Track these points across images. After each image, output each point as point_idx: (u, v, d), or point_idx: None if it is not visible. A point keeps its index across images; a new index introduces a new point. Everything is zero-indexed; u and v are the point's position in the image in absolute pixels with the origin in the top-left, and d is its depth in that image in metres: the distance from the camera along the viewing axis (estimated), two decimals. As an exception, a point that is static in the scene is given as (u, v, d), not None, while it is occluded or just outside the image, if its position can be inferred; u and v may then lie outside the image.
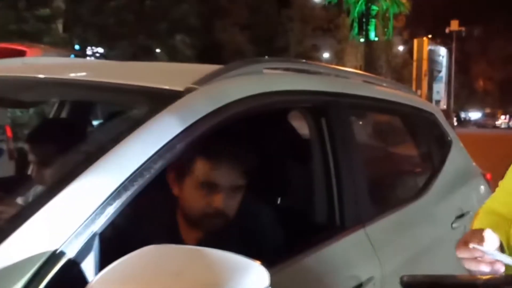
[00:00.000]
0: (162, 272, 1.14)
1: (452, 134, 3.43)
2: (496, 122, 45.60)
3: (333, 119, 2.19)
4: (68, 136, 2.14)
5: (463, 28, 38.52)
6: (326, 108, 2.19)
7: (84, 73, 2.00)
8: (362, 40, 39.69)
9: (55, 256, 1.20)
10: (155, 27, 22.86)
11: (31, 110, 8.88)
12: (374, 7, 38.32)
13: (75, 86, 1.85)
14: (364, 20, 38.96)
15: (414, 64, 38.65)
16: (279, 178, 2.41)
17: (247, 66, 1.93)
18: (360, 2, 38.06)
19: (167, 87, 1.70)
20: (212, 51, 24.98)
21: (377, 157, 2.94)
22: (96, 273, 1.25)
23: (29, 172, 3.23)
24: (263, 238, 1.90)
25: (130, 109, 1.64)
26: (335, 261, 1.98)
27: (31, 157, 2.18)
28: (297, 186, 2.35)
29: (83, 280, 1.23)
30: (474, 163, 3.57)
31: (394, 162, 3.14)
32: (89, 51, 22.46)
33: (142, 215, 1.76)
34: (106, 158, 1.37)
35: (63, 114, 2.59)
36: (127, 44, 22.01)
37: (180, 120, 1.54)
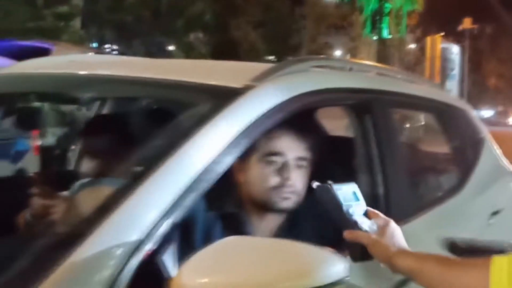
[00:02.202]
0: (248, 263, 1.18)
1: (484, 131, 3.45)
2: (508, 120, 45.36)
3: (378, 116, 2.23)
4: (127, 130, 2.20)
5: (476, 26, 38.39)
6: (371, 106, 2.22)
7: (138, 71, 2.05)
8: (375, 38, 39.56)
9: (138, 247, 1.25)
10: (171, 25, 22.93)
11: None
12: (388, 5, 38.15)
13: (134, 83, 1.90)
14: (377, 17, 38.82)
15: (427, 62, 38.44)
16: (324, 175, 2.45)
17: (297, 65, 1.97)
18: (373, 0, 37.95)
19: (225, 84, 1.75)
20: (227, 49, 25.02)
21: (414, 155, 2.97)
22: (176, 263, 1.30)
23: (68, 166, 3.31)
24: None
25: (191, 106, 1.69)
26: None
27: (86, 149, 2.21)
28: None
29: (165, 270, 1.28)
30: (504, 161, 3.59)
31: (430, 159, 3.17)
32: (107, 48, 22.58)
33: (213, 207, 1.81)
34: (180, 153, 1.42)
35: (121, 110, 2.64)
36: (144, 41, 22.10)
37: (245, 116, 1.59)
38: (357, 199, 1.60)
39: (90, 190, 1.88)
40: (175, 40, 24.25)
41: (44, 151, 5.34)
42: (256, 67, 2.06)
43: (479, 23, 37.60)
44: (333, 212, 1.57)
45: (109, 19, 21.33)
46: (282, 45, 30.48)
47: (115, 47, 23.44)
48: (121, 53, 22.09)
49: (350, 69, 2.29)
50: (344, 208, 1.55)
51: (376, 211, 1.65)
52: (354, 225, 1.55)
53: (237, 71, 2.05)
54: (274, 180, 1.83)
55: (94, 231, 1.22)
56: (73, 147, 3.38)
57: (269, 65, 1.92)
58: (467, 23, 38.48)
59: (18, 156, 5.59)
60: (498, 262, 1.31)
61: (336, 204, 1.56)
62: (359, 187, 2.20)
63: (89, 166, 2.22)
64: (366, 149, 2.19)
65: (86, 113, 3.15)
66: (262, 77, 1.77)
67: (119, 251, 1.22)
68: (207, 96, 1.71)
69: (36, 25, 14.85)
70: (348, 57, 37.22)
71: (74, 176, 2.64)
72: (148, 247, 1.26)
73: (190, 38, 24.96)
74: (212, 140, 1.50)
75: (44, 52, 7.51)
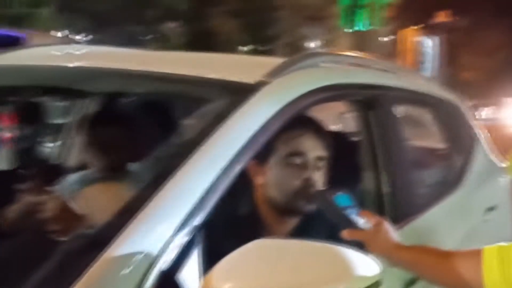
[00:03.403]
0: (280, 267, 1.15)
1: (477, 127, 3.47)
2: (481, 113, 45.92)
3: (384, 112, 2.21)
4: (135, 125, 2.13)
5: (450, 19, 38.70)
6: (378, 101, 2.20)
7: (142, 64, 2.00)
8: (351, 30, 39.79)
9: (163, 251, 1.21)
10: (146, 14, 22.62)
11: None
12: (363, -3, 38.45)
13: (142, 77, 1.85)
14: (353, 9, 39.05)
15: (401, 54, 38.78)
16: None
17: (307, 60, 1.94)
18: (350, -8, 38.16)
19: (238, 80, 1.71)
20: (203, 39, 24.84)
21: (414, 151, 2.96)
22: (201, 266, 1.27)
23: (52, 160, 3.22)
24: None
25: (205, 102, 1.64)
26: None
27: (90, 142, 2.14)
28: (346, 178, 2.37)
29: (190, 273, 1.24)
30: (495, 155, 3.61)
31: (428, 155, 3.17)
32: (80, 38, 22.17)
33: (232, 209, 1.77)
34: (201, 153, 1.38)
35: (130, 105, 2.58)
36: (117, 31, 21.74)
37: (262, 112, 1.56)
38: (351, 202, 1.65)
39: (100, 186, 1.81)
40: (150, 30, 23.92)
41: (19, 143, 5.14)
42: (264, 62, 2.03)
43: (454, 16, 37.90)
44: (330, 214, 1.65)
45: (83, 7, 20.89)
46: (260, 35, 30.38)
47: (85, 36, 22.98)
48: (96, 42, 21.73)
49: (359, 65, 2.27)
50: (339, 210, 1.63)
51: (368, 212, 1.70)
52: (351, 224, 1.62)
53: (247, 66, 2.01)
54: (296, 182, 1.79)
55: (119, 234, 1.17)
56: (59, 141, 3.30)
57: (279, 60, 1.89)
58: (441, 17, 38.81)
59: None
60: (489, 252, 1.41)
61: (331, 206, 1.63)
62: (361, 185, 2.21)
63: (94, 161, 2.16)
64: (372, 145, 2.17)
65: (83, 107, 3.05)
66: (274, 73, 1.73)
67: (142, 257, 1.17)
68: (221, 92, 1.66)
69: (4, 13, 14.41)
70: (324, 48, 37.34)
71: (63, 170, 2.58)
72: (174, 250, 1.22)
73: (166, 28, 24.65)
74: (230, 140, 1.46)
75: (15, 41, 7.32)
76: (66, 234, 1.65)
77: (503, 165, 3.57)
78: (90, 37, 23.38)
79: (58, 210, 1.75)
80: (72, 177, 2.33)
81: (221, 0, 28.24)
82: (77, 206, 1.77)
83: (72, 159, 2.86)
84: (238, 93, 1.61)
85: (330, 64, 2.19)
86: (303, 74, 1.85)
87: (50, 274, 1.16)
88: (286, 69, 1.78)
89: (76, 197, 1.95)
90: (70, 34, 21.51)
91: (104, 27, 22.14)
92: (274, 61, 1.87)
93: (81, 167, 2.32)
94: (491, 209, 3.02)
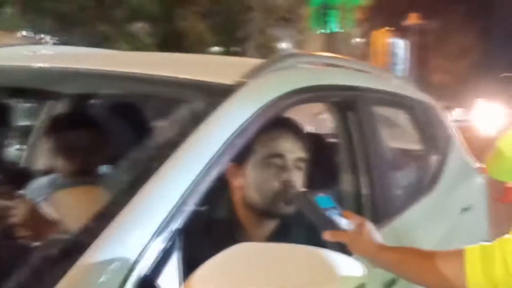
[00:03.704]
0: (262, 271, 1.12)
1: (451, 127, 3.48)
2: (452, 115, 46.61)
3: (362, 113, 2.20)
4: (106, 128, 2.08)
5: (421, 22, 39.16)
6: (356, 103, 2.19)
7: (118, 65, 1.94)
8: (322, 31, 39.91)
9: (141, 257, 1.17)
10: (114, 14, 22.24)
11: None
12: (335, -1, 38.62)
13: (116, 78, 1.80)
14: (324, 11, 39.18)
15: (373, 56, 39.08)
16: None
17: (285, 61, 1.91)
18: (321, -7, 38.28)
19: (216, 81, 1.67)
20: (173, 40, 24.58)
21: (391, 152, 2.96)
22: (180, 272, 1.23)
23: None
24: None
25: (181, 103, 1.60)
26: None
27: (58, 146, 2.08)
28: (327, 180, 2.35)
29: (169, 279, 1.20)
30: (469, 156, 3.63)
31: (405, 156, 3.17)
32: (44, 38, 21.67)
33: (210, 213, 1.73)
34: (178, 155, 1.34)
35: (101, 107, 2.52)
36: (84, 31, 21.33)
37: (241, 113, 1.53)
38: (333, 203, 1.63)
39: (72, 190, 1.76)
40: (118, 30, 23.53)
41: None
42: (240, 63, 1.99)
43: (425, 19, 38.38)
44: (311, 216, 1.62)
45: (48, 7, 20.42)
46: (230, 36, 30.26)
47: (51, 37, 22.51)
48: (61, 43, 21.32)
49: (336, 66, 2.25)
50: (321, 211, 1.59)
51: (351, 212, 1.68)
52: (333, 225, 1.59)
53: (224, 67, 1.97)
54: (276, 183, 1.76)
55: (95, 240, 1.13)
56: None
57: (256, 61, 1.86)
58: (413, 18, 39.25)
59: None
60: (471, 252, 1.42)
61: (313, 208, 1.60)
62: (339, 187, 2.19)
63: (62, 165, 2.10)
64: (350, 146, 2.15)
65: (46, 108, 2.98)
66: (252, 74, 1.70)
67: (120, 263, 1.13)
68: (199, 93, 1.61)
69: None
70: (295, 50, 37.41)
71: (32, 174, 2.52)
72: (153, 254, 1.18)
73: (134, 29, 24.31)
74: (208, 141, 1.42)
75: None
76: (36, 240, 1.60)
77: (477, 165, 3.61)
78: (55, 37, 22.94)
79: (27, 215, 1.69)
80: (41, 181, 2.27)
81: (192, 1, 28.04)
82: (48, 210, 1.71)
83: (41, 163, 2.79)
84: (216, 94, 1.57)
85: (308, 65, 2.17)
86: (281, 75, 1.82)
87: (22, 284, 1.11)
88: (264, 69, 1.75)
89: (46, 201, 1.89)
90: (35, 34, 21.08)
91: (71, 28, 21.70)
92: (250, 62, 1.84)
93: (50, 170, 2.27)
94: (466, 209, 3.04)
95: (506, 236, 1.40)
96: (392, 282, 1.91)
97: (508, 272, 1.33)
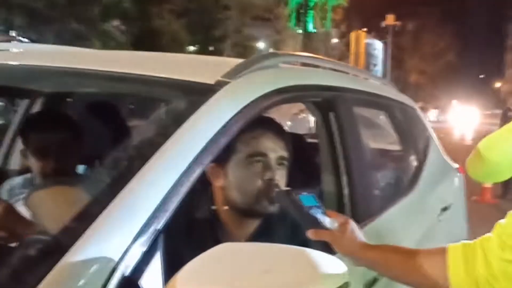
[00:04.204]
0: (246, 272, 1.11)
1: (429, 128, 3.51)
2: (428, 115, 47.10)
3: (341, 113, 2.19)
4: (83, 128, 2.04)
5: (398, 23, 39.46)
6: (336, 103, 2.18)
7: (95, 63, 1.91)
8: (300, 31, 40.05)
9: (123, 258, 1.14)
10: (88, 12, 21.87)
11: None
12: (313, -1, 38.77)
13: (94, 77, 1.76)
14: (302, 11, 39.32)
15: (351, 57, 39.29)
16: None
17: (265, 61, 1.90)
18: (299, -7, 38.41)
19: (197, 80, 1.65)
20: (148, 38, 24.37)
21: (372, 152, 2.98)
22: (163, 272, 1.22)
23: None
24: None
25: (163, 103, 1.58)
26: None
27: (32, 147, 2.04)
28: (307, 180, 2.35)
29: (151, 280, 1.19)
30: (447, 156, 3.67)
31: (385, 156, 3.19)
32: (14, 36, 21.20)
33: (192, 213, 1.72)
34: (160, 155, 1.32)
35: (73, 105, 2.48)
36: (57, 29, 20.95)
37: (223, 113, 1.51)
38: (316, 202, 1.62)
39: (49, 190, 1.72)
40: (91, 28, 23.15)
41: None
42: (221, 62, 1.98)
43: (402, 20, 38.72)
44: (295, 214, 1.60)
45: (18, 3, 19.98)
46: (206, 35, 30.14)
47: (23, 34, 22.10)
48: (32, 41, 20.95)
49: (317, 66, 2.24)
50: (305, 209, 1.58)
51: (334, 211, 1.68)
52: (316, 224, 1.58)
53: (205, 66, 1.95)
54: (258, 183, 1.75)
55: (76, 241, 1.11)
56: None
57: (236, 60, 1.84)
58: (390, 20, 39.53)
59: None
60: (453, 250, 1.43)
61: (296, 206, 1.59)
62: (321, 187, 2.19)
63: (38, 165, 2.06)
64: (331, 146, 2.15)
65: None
66: (234, 73, 1.68)
67: (101, 265, 1.11)
68: (180, 93, 1.60)
69: None
70: (272, 50, 37.44)
71: (6, 174, 2.47)
72: (135, 255, 1.16)
73: (108, 27, 23.95)
74: (190, 141, 1.40)
75: None
76: (12, 242, 1.57)
77: (456, 166, 3.64)
78: (28, 34, 22.53)
79: (3, 215, 1.66)
80: (16, 181, 2.24)
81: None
82: (23, 211, 1.68)
83: (16, 162, 2.74)
84: (198, 94, 1.55)
85: (289, 65, 2.16)
86: (263, 75, 1.80)
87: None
88: (246, 69, 1.73)
89: (22, 201, 1.86)
90: (5, 31, 20.68)
91: (43, 25, 21.32)
92: (231, 61, 1.82)
93: (25, 170, 2.23)
94: (446, 208, 3.06)
95: (487, 235, 1.41)
96: (374, 281, 1.92)
97: (489, 271, 1.34)
